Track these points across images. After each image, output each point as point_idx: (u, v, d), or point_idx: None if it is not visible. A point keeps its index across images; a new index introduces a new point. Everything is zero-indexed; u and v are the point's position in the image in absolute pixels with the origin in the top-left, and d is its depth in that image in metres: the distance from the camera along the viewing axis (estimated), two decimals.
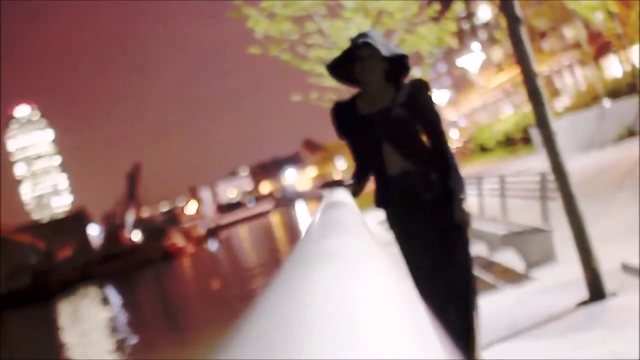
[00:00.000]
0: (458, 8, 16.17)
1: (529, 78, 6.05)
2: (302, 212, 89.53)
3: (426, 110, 4.28)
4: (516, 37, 6.05)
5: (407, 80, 4.41)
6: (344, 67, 4.40)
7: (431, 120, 4.29)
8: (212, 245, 77.14)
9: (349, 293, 0.55)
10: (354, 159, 4.50)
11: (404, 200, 4.28)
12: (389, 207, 4.42)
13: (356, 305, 0.51)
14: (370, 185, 4.62)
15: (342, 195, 3.33)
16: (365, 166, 4.44)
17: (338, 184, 4.45)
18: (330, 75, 4.55)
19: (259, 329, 0.47)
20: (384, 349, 0.41)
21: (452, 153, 4.33)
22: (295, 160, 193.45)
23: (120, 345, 22.36)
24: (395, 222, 4.42)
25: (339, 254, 0.80)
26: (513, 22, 6.06)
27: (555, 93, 48.16)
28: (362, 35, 4.30)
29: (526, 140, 32.90)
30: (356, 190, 4.42)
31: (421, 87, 4.33)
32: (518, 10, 6.08)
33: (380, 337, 0.44)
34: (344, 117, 4.39)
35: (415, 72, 16.46)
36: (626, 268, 5.93)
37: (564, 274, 7.16)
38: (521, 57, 6.07)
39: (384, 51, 4.14)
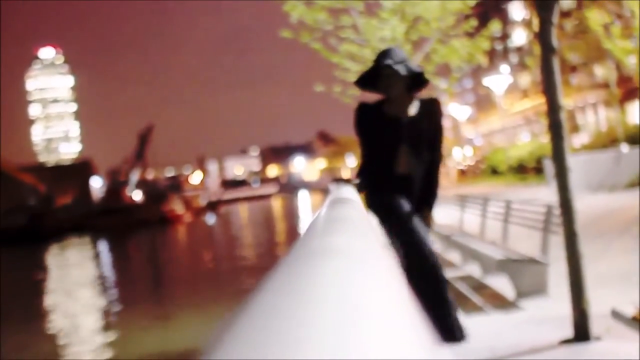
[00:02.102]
0: (494, 28, 16.11)
1: (553, 110, 6.02)
2: (304, 202, 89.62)
3: (438, 128, 4.95)
4: (548, 66, 6.02)
5: (425, 93, 5.17)
6: (369, 81, 4.97)
7: (438, 137, 4.95)
8: (210, 219, 77.22)
9: (352, 292, 0.55)
10: (364, 156, 5.01)
11: (400, 194, 4.84)
12: (380, 191, 4.88)
13: (360, 305, 0.50)
14: None
15: (350, 192, 3.33)
16: (373, 164, 4.95)
17: (347, 182, 4.86)
18: (357, 87, 5.17)
19: (255, 325, 0.46)
20: (384, 350, 0.41)
21: (439, 171, 5.08)
22: (306, 149, 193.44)
23: (101, 298, 22.46)
24: (384, 200, 4.87)
25: (344, 251, 0.80)
26: (547, 52, 6.03)
27: (575, 129, 48.06)
28: (385, 54, 4.88)
29: (538, 170, 32.85)
30: (361, 187, 4.89)
31: (438, 106, 5.00)
32: (554, 40, 6.05)
33: (381, 338, 0.43)
34: (368, 116, 4.93)
35: (441, 84, 16.44)
36: (616, 315, 5.91)
37: (553, 309, 7.14)
38: (549, 88, 6.04)
39: (402, 71, 4.76)
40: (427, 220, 4.90)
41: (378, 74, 4.88)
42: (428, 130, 4.86)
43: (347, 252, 0.79)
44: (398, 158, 4.83)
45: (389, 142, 4.85)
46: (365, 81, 5.03)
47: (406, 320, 0.50)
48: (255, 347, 0.41)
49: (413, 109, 4.89)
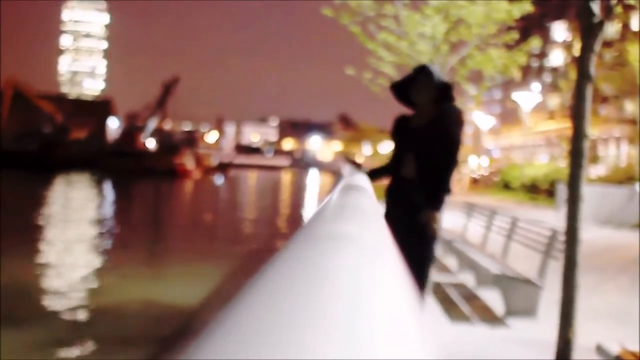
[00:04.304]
0: (534, 44, 16.02)
1: (577, 137, 5.99)
2: (314, 181, 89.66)
3: (448, 133, 5.07)
4: (581, 93, 5.98)
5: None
6: (404, 89, 5.37)
7: (448, 143, 5.05)
8: (218, 180, 77.34)
9: (361, 282, 0.54)
10: (391, 158, 5.46)
11: (402, 195, 5.22)
12: (391, 198, 5.32)
13: (367, 296, 0.50)
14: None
15: (363, 180, 3.33)
16: (393, 166, 5.38)
17: (358, 167, 5.43)
18: (392, 93, 5.47)
19: (256, 312, 0.44)
20: (388, 348, 0.40)
21: (449, 179, 5.10)
22: (325, 129, 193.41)
23: (97, 237, 22.56)
24: (390, 210, 5.30)
25: (355, 239, 0.80)
26: (583, 78, 5.99)
27: (594, 159, 47.81)
28: (423, 65, 5.36)
29: (550, 193, 32.71)
30: (372, 177, 5.30)
31: (452, 113, 5.13)
32: (592, 68, 6.01)
33: (387, 337, 0.43)
34: (398, 126, 5.40)
35: (471, 90, 16.37)
36: (600, 350, 5.92)
37: (539, 332, 7.15)
38: (578, 115, 6.01)
39: (435, 78, 5.17)
40: (429, 221, 5.02)
41: (414, 80, 5.27)
42: (438, 137, 5.06)
43: (357, 241, 0.79)
44: (404, 163, 5.23)
45: (401, 148, 5.31)
46: (400, 87, 5.41)
47: (410, 320, 0.49)
48: (255, 338, 0.39)
49: (431, 118, 5.21)
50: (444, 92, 5.24)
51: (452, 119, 5.11)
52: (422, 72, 5.24)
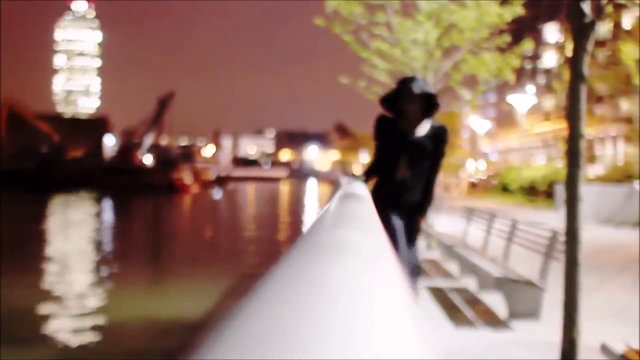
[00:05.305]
0: (527, 46, 16.04)
1: (573, 137, 5.99)
2: (312, 191, 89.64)
3: (440, 152, 5.70)
4: (575, 94, 5.99)
5: (437, 117, 5.88)
6: (392, 101, 5.77)
7: (438, 160, 5.72)
8: (217, 193, 77.28)
9: (363, 290, 0.54)
10: (376, 158, 5.87)
11: (395, 196, 5.63)
12: (380, 198, 5.46)
13: (370, 306, 0.50)
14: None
15: (361, 188, 3.33)
16: (380, 166, 5.77)
17: (357, 177, 5.73)
18: (381, 105, 5.85)
19: (257, 320, 0.44)
20: (392, 355, 0.41)
21: (435, 185, 5.84)
22: (322, 139, 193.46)
23: (97, 254, 22.54)
24: (380, 208, 5.47)
25: (355, 247, 0.80)
26: (577, 79, 6.00)
27: (591, 159, 47.87)
28: (408, 79, 5.76)
29: (549, 194, 32.72)
30: (367, 178, 5.81)
31: (445, 134, 5.72)
32: (586, 68, 6.02)
33: (389, 344, 0.43)
34: (383, 127, 5.78)
35: (466, 95, 16.39)
36: (605, 350, 5.90)
37: (543, 334, 7.14)
38: (573, 115, 6.01)
39: (417, 90, 5.58)
40: (418, 224, 5.71)
41: (400, 94, 5.67)
42: (431, 153, 5.65)
43: (358, 248, 0.80)
44: (398, 167, 5.64)
45: (394, 152, 5.67)
46: (388, 100, 5.80)
47: (412, 326, 0.49)
48: (256, 344, 0.39)
49: (423, 130, 5.68)
50: (430, 101, 5.65)
51: (445, 139, 5.72)
52: (405, 85, 5.64)
